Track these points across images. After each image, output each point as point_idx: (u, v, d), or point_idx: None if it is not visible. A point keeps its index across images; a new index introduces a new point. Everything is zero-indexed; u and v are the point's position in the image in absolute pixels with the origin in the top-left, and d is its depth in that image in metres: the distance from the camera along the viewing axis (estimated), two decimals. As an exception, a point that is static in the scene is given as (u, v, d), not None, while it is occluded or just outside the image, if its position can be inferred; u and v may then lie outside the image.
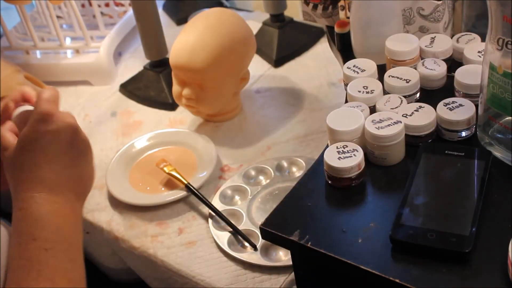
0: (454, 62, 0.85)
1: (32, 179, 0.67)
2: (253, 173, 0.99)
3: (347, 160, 0.71)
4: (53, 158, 0.68)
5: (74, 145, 0.69)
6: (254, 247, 0.87)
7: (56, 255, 0.64)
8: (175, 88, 1.05)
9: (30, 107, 0.73)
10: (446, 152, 0.71)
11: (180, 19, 1.41)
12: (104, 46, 1.26)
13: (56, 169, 0.68)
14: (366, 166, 0.73)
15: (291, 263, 0.77)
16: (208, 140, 1.05)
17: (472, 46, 0.84)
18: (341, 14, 1.01)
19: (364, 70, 0.85)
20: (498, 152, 0.71)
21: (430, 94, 0.82)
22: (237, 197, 0.96)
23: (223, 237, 0.89)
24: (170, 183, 0.99)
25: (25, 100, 0.75)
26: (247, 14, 1.39)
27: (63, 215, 0.67)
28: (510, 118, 0.69)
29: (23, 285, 0.62)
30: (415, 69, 0.83)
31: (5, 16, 1.24)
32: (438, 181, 0.69)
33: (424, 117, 0.74)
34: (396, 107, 0.77)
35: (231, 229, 0.89)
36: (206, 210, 0.94)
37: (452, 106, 0.75)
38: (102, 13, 1.37)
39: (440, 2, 0.89)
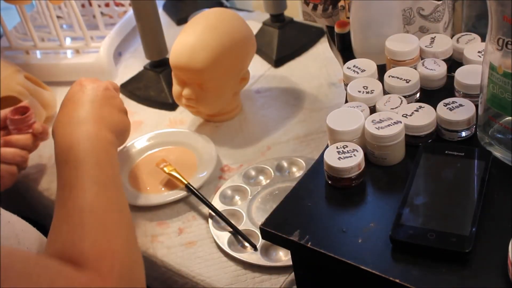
0: (454, 62, 0.85)
1: (64, 123, 0.85)
2: (253, 173, 0.99)
3: (347, 160, 0.71)
4: (75, 107, 0.88)
5: (101, 98, 0.91)
6: (254, 247, 0.87)
7: (85, 167, 0.77)
8: (175, 88, 1.05)
9: None
10: (446, 152, 0.71)
11: (180, 19, 1.41)
12: (104, 46, 1.26)
13: (81, 112, 0.87)
14: (366, 166, 0.73)
15: (291, 263, 0.77)
16: (208, 140, 1.05)
17: (472, 46, 0.84)
18: (341, 14, 1.01)
19: (364, 70, 0.85)
20: (498, 152, 0.71)
21: (430, 94, 0.82)
22: (237, 197, 0.96)
23: (223, 237, 0.89)
24: (170, 183, 0.99)
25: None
26: (247, 14, 1.39)
27: (92, 139, 0.82)
28: (510, 118, 0.69)
29: (60, 203, 0.75)
30: (415, 69, 0.83)
31: (5, 16, 1.24)
32: (438, 181, 0.69)
33: (424, 117, 0.74)
34: (396, 107, 0.77)
35: (231, 229, 0.89)
36: (206, 210, 0.94)
37: (452, 106, 0.75)
38: (102, 13, 1.37)
39: (440, 2, 0.89)
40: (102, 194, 0.75)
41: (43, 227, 0.82)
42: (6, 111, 1.00)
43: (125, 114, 0.96)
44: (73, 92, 0.91)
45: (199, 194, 0.94)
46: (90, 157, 0.79)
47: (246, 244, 0.88)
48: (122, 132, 0.93)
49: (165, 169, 0.98)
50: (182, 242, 0.91)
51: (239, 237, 0.89)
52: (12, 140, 0.98)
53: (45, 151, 1.11)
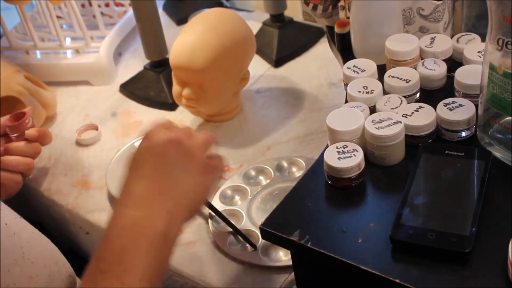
0: (454, 62, 0.85)
1: (122, 194, 0.66)
2: (253, 173, 0.99)
3: (347, 160, 0.71)
4: (143, 173, 0.67)
5: (168, 159, 0.68)
6: (254, 247, 0.87)
7: (109, 277, 0.61)
8: (175, 88, 1.05)
9: None
10: (446, 152, 0.71)
11: (180, 19, 1.41)
12: (104, 46, 1.26)
13: (144, 183, 0.66)
14: (366, 166, 0.73)
15: (291, 263, 0.77)
16: (208, 140, 1.05)
17: (472, 46, 0.84)
18: (341, 14, 1.01)
19: (364, 70, 0.85)
20: (498, 152, 0.71)
21: (430, 94, 0.82)
22: (237, 197, 0.96)
23: (223, 237, 0.89)
24: (170, 183, 0.99)
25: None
26: (247, 14, 1.39)
27: (138, 231, 0.63)
28: (510, 118, 0.69)
29: None
30: (415, 69, 0.83)
31: (5, 16, 1.24)
32: (438, 181, 0.69)
33: (424, 117, 0.74)
34: (396, 107, 0.77)
35: (231, 229, 0.89)
36: (206, 210, 0.94)
37: (452, 106, 0.75)
38: (102, 13, 1.37)
39: (440, 2, 0.89)
40: None
41: (43, 227, 0.81)
42: (5, 118, 0.97)
43: (208, 172, 0.72)
44: (141, 148, 0.69)
45: (199, 194, 0.94)
46: (119, 265, 0.61)
47: (246, 244, 0.88)
48: (194, 203, 0.70)
49: (165, 169, 0.98)
50: (182, 242, 0.91)
51: (239, 237, 0.89)
52: (11, 148, 0.95)
53: (45, 151, 1.11)
